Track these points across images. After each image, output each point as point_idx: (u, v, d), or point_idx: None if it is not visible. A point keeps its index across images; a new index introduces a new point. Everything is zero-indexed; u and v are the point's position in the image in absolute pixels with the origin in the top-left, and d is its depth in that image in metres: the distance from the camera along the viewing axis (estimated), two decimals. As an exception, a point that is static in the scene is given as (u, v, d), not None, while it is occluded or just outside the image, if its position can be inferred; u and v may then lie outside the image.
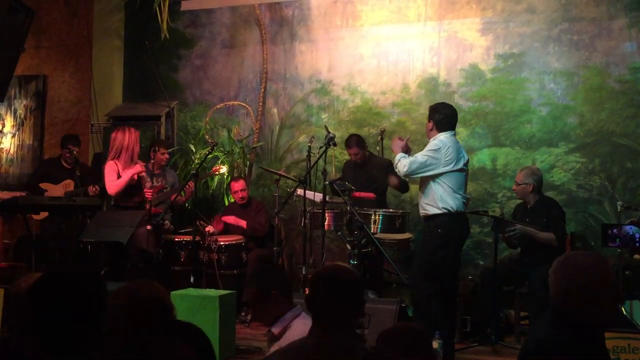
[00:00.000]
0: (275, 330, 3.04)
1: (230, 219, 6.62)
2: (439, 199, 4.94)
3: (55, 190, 6.76)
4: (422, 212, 5.12)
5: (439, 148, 4.96)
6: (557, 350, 2.32)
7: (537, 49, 6.50)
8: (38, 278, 2.03)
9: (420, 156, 5.00)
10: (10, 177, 8.18)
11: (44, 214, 6.64)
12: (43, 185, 6.82)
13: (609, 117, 6.24)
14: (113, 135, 6.06)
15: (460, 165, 5.01)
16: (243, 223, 6.56)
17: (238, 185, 6.67)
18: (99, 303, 1.95)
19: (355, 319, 2.37)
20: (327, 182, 5.36)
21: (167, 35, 7.56)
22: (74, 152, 6.63)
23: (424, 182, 5.06)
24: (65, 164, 6.90)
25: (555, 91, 6.44)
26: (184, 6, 7.70)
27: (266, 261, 3.42)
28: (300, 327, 2.94)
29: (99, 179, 6.30)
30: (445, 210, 4.93)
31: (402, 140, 5.27)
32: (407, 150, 5.23)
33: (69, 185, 6.78)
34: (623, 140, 6.19)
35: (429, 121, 5.12)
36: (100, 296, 1.97)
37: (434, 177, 4.97)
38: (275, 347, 2.93)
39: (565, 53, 6.41)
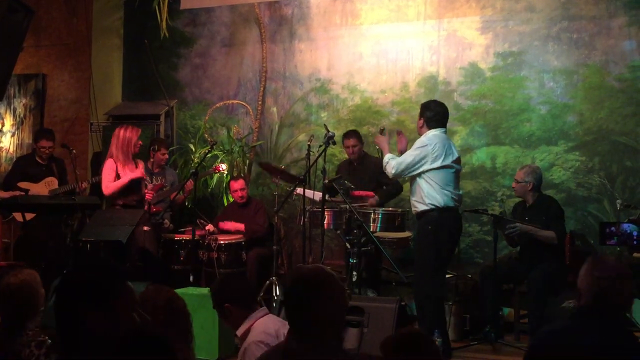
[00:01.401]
0: (239, 332, 3.24)
1: (228, 225, 6.59)
2: (425, 195, 4.98)
3: (37, 189, 6.55)
4: (412, 209, 5.18)
5: (426, 145, 4.99)
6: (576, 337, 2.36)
7: (536, 47, 6.50)
8: (64, 275, 2.03)
9: (407, 156, 5.03)
10: (9, 176, 8.16)
11: (29, 216, 6.43)
12: (22, 185, 6.55)
13: (608, 115, 6.24)
14: (114, 132, 6.09)
15: (449, 161, 4.99)
16: (241, 226, 6.53)
17: (237, 184, 6.66)
18: (123, 301, 1.92)
19: (334, 324, 2.33)
20: (326, 181, 5.36)
21: (167, 34, 7.56)
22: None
23: (412, 179, 5.11)
24: (40, 161, 6.70)
25: (555, 90, 6.44)
26: (184, 4, 7.71)
27: (222, 279, 3.62)
28: (261, 325, 3.15)
29: (96, 174, 6.34)
30: (433, 206, 4.96)
31: (385, 136, 5.31)
32: (404, 143, 5.26)
33: (51, 182, 6.62)
34: (622, 139, 6.19)
35: (420, 118, 5.16)
36: (125, 295, 1.94)
37: (420, 174, 5.00)
38: (241, 346, 3.16)
39: (564, 51, 6.41)
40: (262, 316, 3.25)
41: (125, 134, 6.00)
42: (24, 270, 3.10)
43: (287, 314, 2.34)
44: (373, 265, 6.01)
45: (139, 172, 5.99)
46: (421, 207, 5.02)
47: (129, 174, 5.94)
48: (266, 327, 3.14)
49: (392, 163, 5.07)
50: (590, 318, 2.41)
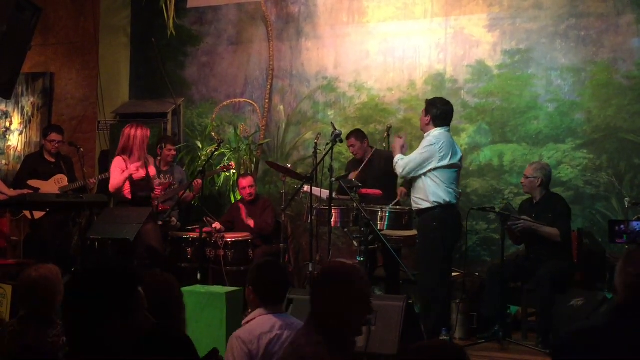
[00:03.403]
0: (243, 322, 3.31)
1: (243, 211, 6.60)
2: (430, 193, 5.03)
3: (47, 187, 6.54)
4: (414, 206, 5.23)
5: (433, 144, 5.06)
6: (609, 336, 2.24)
7: (544, 45, 6.48)
8: (74, 273, 2.05)
9: (416, 155, 5.11)
10: (17, 175, 8.18)
11: (39, 214, 6.46)
12: (33, 183, 6.55)
13: (616, 113, 6.21)
14: (124, 130, 6.10)
15: (454, 160, 5.11)
16: (251, 222, 6.54)
17: (246, 181, 6.67)
18: (133, 300, 1.93)
19: (353, 324, 2.35)
20: (333, 179, 5.36)
21: (174, 32, 7.57)
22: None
23: (417, 177, 5.13)
24: (48, 158, 6.69)
25: (562, 87, 6.42)
26: (190, 3, 7.73)
27: (261, 262, 3.66)
28: (254, 323, 3.20)
29: (103, 172, 6.37)
30: (436, 204, 5.04)
31: (402, 138, 5.37)
32: (403, 148, 5.35)
33: (61, 180, 6.62)
34: (630, 137, 6.17)
35: (426, 115, 5.21)
36: (135, 293, 1.95)
37: (425, 172, 5.04)
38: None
39: (572, 49, 6.39)
40: (265, 314, 3.24)
41: (142, 133, 5.99)
42: (46, 265, 3.18)
43: (311, 305, 2.34)
44: (391, 264, 5.96)
45: (132, 167, 5.97)
46: (424, 205, 5.08)
47: (132, 169, 5.92)
48: (256, 326, 3.18)
49: (400, 163, 5.17)
50: (626, 316, 2.26)
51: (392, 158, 6.04)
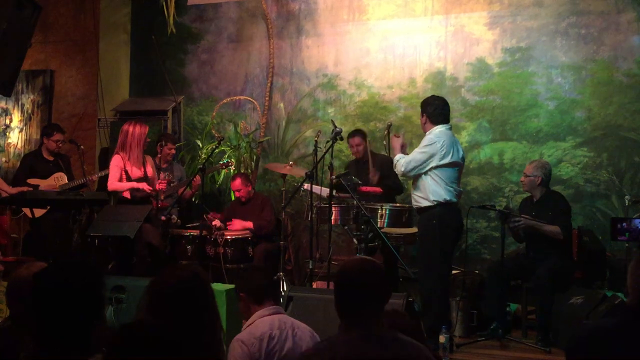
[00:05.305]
0: (245, 325, 3.31)
1: (236, 225, 6.57)
2: (430, 192, 5.00)
3: (46, 185, 6.52)
4: (414, 204, 5.20)
5: (434, 142, 5.01)
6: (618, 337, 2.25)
7: (544, 42, 6.48)
8: (40, 269, 2.05)
9: (416, 154, 5.05)
10: (17, 172, 8.18)
11: (39, 212, 6.43)
12: (32, 182, 6.50)
13: (616, 111, 6.21)
14: (123, 128, 6.10)
15: (456, 158, 5.05)
16: (249, 224, 6.52)
17: (234, 185, 6.66)
18: (95, 296, 1.95)
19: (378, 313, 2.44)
20: (333, 177, 5.36)
21: (174, 30, 7.56)
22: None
23: (417, 175, 5.09)
24: (47, 156, 6.64)
25: (563, 85, 6.42)
26: (191, 0, 7.71)
27: (248, 267, 3.68)
28: (256, 324, 3.22)
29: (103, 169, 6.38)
30: (437, 202, 5.00)
31: (399, 137, 5.32)
32: (404, 147, 5.29)
33: (60, 178, 6.59)
34: (631, 134, 6.17)
35: (422, 115, 5.20)
36: (97, 289, 1.97)
37: (426, 171, 5.02)
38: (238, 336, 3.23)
39: (572, 47, 6.39)
40: (266, 315, 3.26)
41: (140, 130, 6.00)
42: (36, 264, 3.15)
43: (337, 304, 2.44)
44: (391, 262, 5.95)
45: (144, 185, 5.99)
46: (424, 203, 5.04)
47: (135, 184, 5.94)
48: (256, 328, 3.18)
49: (401, 162, 5.10)
50: (638, 318, 2.26)
51: (390, 162, 6.05)
